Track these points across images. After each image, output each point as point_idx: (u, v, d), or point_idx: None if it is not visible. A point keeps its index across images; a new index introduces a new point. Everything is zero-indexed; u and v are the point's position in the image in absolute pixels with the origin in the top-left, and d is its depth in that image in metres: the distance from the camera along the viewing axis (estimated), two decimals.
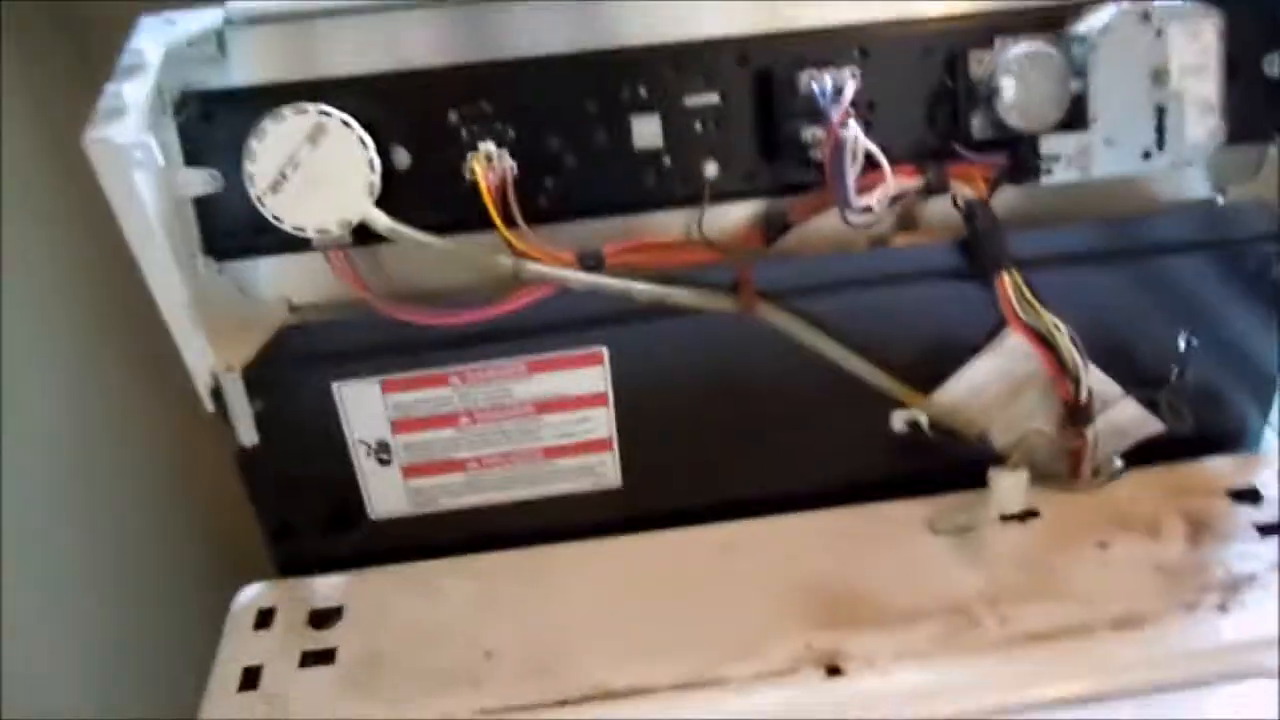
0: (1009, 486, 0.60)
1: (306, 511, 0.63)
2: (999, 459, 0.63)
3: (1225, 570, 0.60)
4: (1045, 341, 0.58)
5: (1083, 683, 0.55)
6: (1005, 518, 0.64)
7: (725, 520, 0.64)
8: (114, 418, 0.76)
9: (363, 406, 0.58)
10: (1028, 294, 0.57)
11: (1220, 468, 0.67)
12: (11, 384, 0.66)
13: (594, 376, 0.59)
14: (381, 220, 0.52)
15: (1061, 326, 0.58)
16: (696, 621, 0.59)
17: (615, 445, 0.62)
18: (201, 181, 0.54)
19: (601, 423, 0.61)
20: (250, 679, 0.58)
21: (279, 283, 0.58)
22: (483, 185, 0.52)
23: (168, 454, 0.79)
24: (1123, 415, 0.65)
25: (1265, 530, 0.62)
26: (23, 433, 0.67)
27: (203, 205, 0.54)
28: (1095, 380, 0.63)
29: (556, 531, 0.64)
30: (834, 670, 0.56)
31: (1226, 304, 0.63)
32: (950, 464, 0.63)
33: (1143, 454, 0.66)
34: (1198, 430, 0.67)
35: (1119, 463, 0.67)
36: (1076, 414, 0.62)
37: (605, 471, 0.63)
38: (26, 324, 0.68)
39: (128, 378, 0.76)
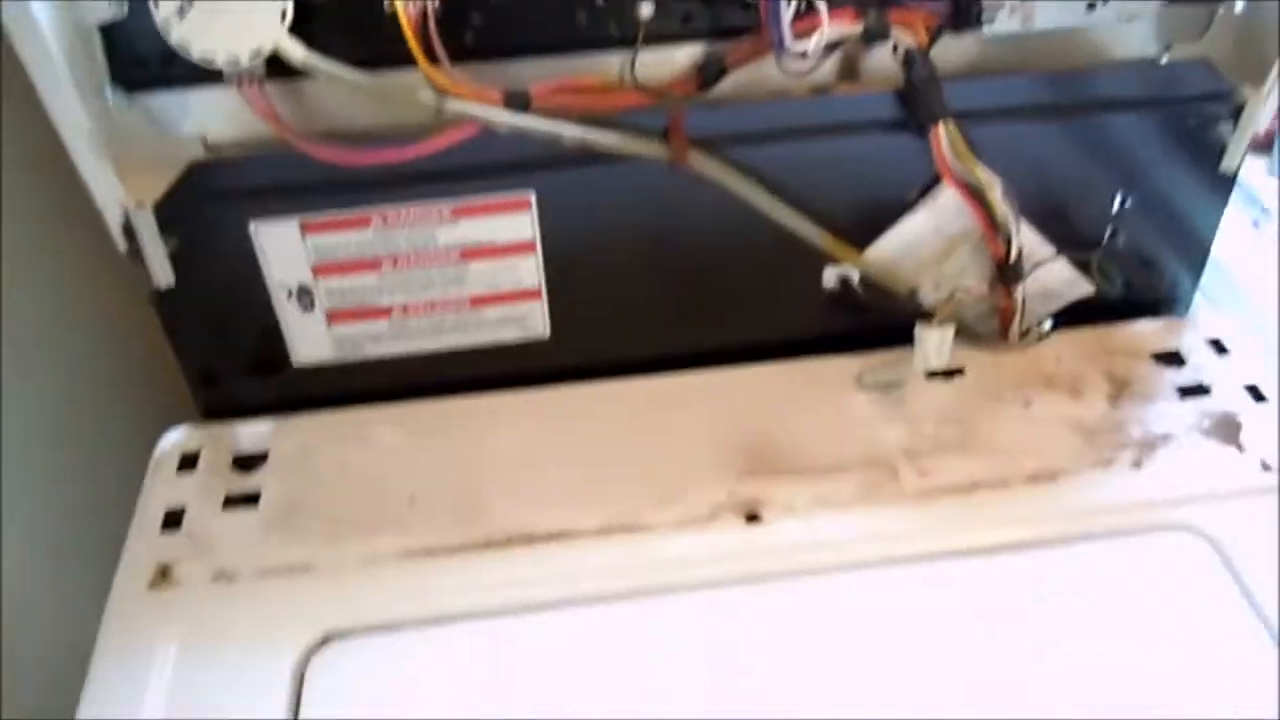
0: (934, 342, 0.60)
1: (228, 356, 0.62)
2: (929, 316, 0.63)
3: (1143, 429, 0.61)
4: (977, 196, 0.58)
5: (995, 533, 0.56)
6: (931, 375, 0.64)
7: (654, 374, 0.64)
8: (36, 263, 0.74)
9: (282, 248, 0.57)
10: (961, 146, 0.56)
11: (1147, 331, 0.67)
12: None
13: (521, 223, 0.58)
14: (296, 51, 0.50)
15: (995, 181, 0.57)
16: (621, 470, 0.59)
17: (544, 295, 0.61)
18: (106, 7, 0.51)
19: (530, 271, 0.60)
20: (173, 520, 0.58)
21: (194, 118, 0.55)
22: (402, 16, 0.50)
23: (95, 298, 0.77)
24: (1054, 276, 0.65)
25: (1186, 392, 0.63)
26: None
27: (110, 33, 0.52)
28: (1028, 239, 0.62)
29: (485, 381, 0.63)
30: (753, 517, 0.57)
31: (1165, 166, 0.63)
32: (881, 322, 0.63)
33: (1073, 316, 0.66)
34: (1129, 294, 0.67)
35: (1048, 324, 0.67)
36: (1007, 272, 0.61)
37: (533, 322, 0.62)
38: None
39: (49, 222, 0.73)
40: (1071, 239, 0.64)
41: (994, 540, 0.56)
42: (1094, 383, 0.64)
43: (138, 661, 0.51)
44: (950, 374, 0.64)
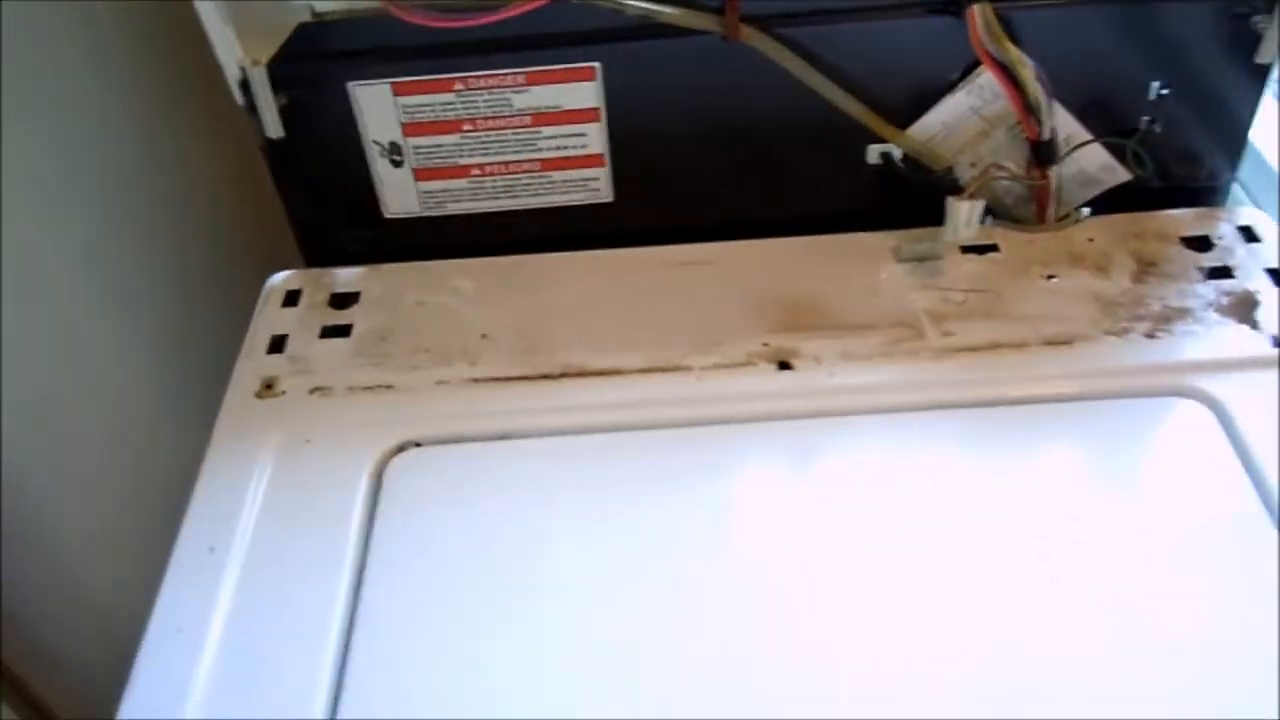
0: (964, 214, 0.65)
1: (329, 207, 0.70)
2: (964, 189, 0.67)
3: (1162, 304, 0.65)
4: (1011, 77, 0.62)
5: (1007, 388, 0.61)
6: (965, 250, 0.69)
7: (707, 240, 0.70)
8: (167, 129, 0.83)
9: (376, 107, 0.64)
10: (996, 27, 0.60)
11: (1180, 218, 0.70)
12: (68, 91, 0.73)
13: (587, 91, 0.64)
14: None
15: (1028, 62, 0.61)
16: (669, 322, 0.66)
17: (608, 162, 0.68)
18: None
19: (595, 138, 0.66)
20: (277, 344, 0.66)
21: None
22: None
23: (216, 163, 0.86)
24: (1091, 161, 0.69)
25: (1209, 273, 0.67)
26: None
27: None
28: (1064, 124, 0.66)
29: (554, 240, 0.70)
30: (785, 365, 0.63)
31: (1203, 56, 0.65)
32: (921, 198, 0.68)
33: (1111, 203, 0.70)
34: (1165, 182, 0.70)
35: (1086, 210, 0.71)
36: (1040, 153, 0.65)
37: (598, 186, 0.69)
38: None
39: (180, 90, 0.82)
40: (1109, 125, 0.68)
41: (1005, 394, 0.61)
42: (1120, 261, 0.68)
43: (245, 454, 0.60)
44: (984, 250, 0.69)
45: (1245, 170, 0.72)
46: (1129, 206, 0.71)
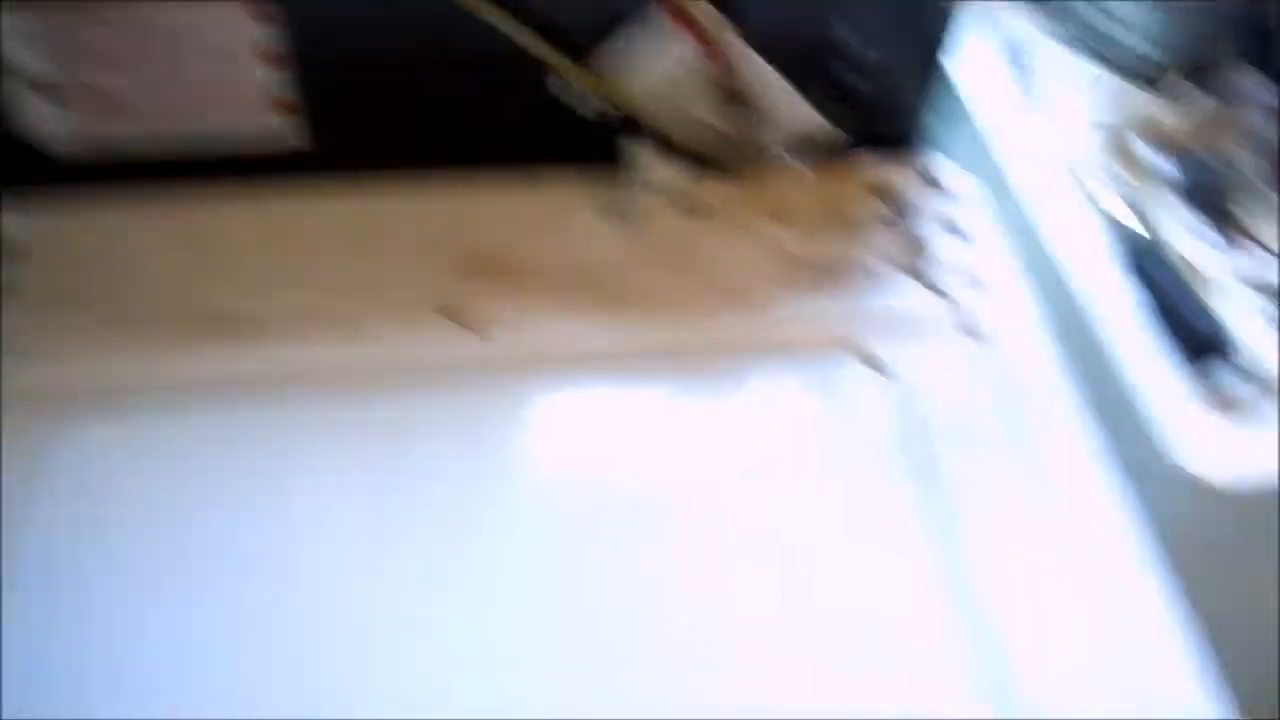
0: (649, 159, 0.64)
1: None
2: (654, 134, 0.65)
3: (842, 258, 0.65)
4: (688, 16, 0.60)
5: (680, 345, 0.61)
6: (662, 200, 0.68)
7: (394, 177, 0.67)
8: None
9: (20, 33, 0.59)
10: None
11: (871, 167, 0.71)
12: None
13: (254, 27, 0.60)
14: None
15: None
16: (345, 273, 0.63)
17: (286, 99, 0.63)
18: None
19: (269, 76, 0.62)
20: None
21: None
22: None
23: None
24: (786, 107, 0.68)
25: (891, 224, 0.67)
26: None
27: None
28: (757, 69, 0.65)
29: (230, 183, 0.66)
30: (458, 319, 0.61)
31: (895, 4, 0.65)
32: (606, 136, 0.66)
33: (813, 149, 0.69)
34: (863, 129, 0.70)
35: (786, 156, 0.71)
36: (732, 99, 0.64)
37: (277, 126, 0.65)
38: None
39: None
40: (805, 70, 0.67)
41: (677, 351, 0.60)
42: (810, 213, 0.68)
43: None
44: (681, 200, 0.68)
45: (946, 120, 0.73)
46: (830, 156, 0.71)
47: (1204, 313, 0.60)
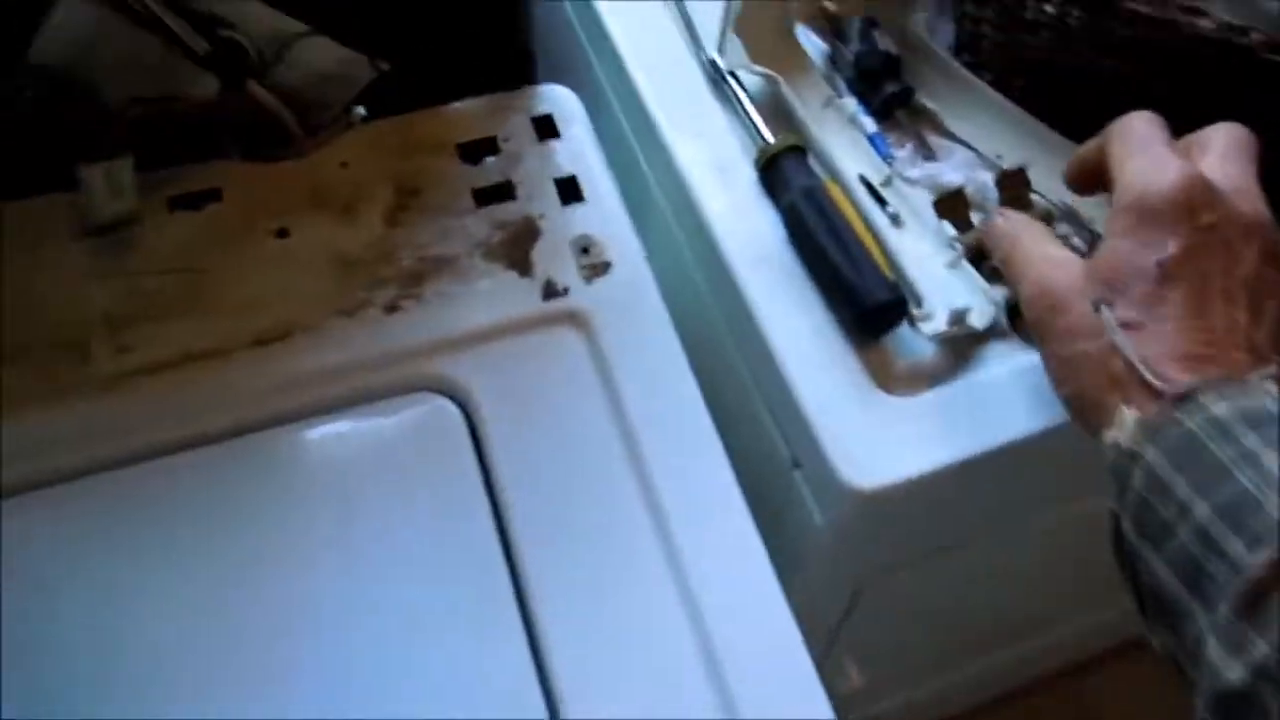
0: (100, 179, 0.46)
1: None
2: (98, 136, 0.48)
3: (416, 256, 0.50)
4: None
5: (197, 421, 0.45)
6: (175, 201, 0.51)
7: None
8: None
9: None
10: None
11: (462, 114, 0.55)
12: None
13: None
14: None
15: None
16: None
17: None
18: None
19: None
20: None
21: None
22: None
23: None
24: (318, 55, 0.51)
25: (482, 197, 0.52)
26: None
27: None
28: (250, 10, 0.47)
29: None
30: None
31: None
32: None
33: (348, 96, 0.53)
34: (442, 64, 0.54)
35: (360, 112, 0.54)
36: (213, 54, 0.47)
37: None
38: None
39: None
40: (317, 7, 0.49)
41: (195, 431, 0.45)
42: (376, 193, 0.52)
43: None
44: (203, 199, 0.51)
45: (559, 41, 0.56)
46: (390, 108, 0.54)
47: (869, 268, 0.47)
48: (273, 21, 0.49)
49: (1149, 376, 0.36)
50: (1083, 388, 0.38)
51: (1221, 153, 0.40)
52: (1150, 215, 0.37)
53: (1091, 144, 0.43)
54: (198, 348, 0.47)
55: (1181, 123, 0.41)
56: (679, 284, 0.57)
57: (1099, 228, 0.51)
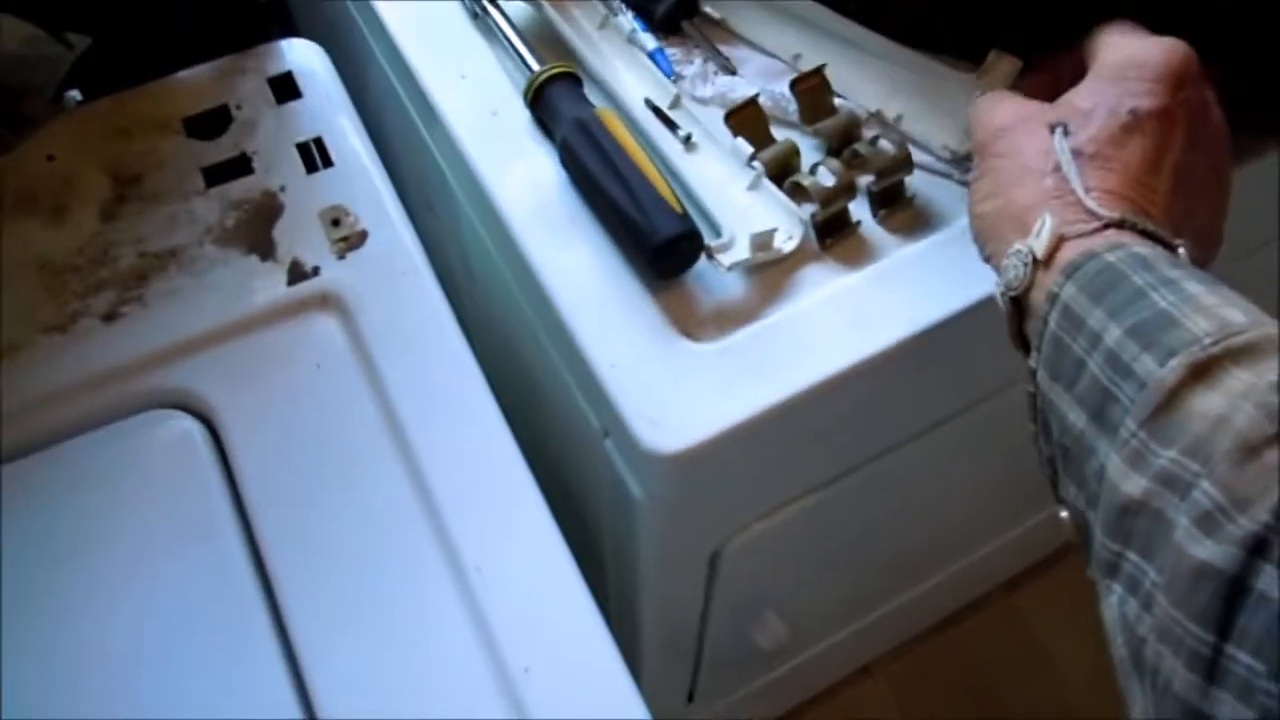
0: None
1: None
2: None
3: (137, 252, 0.43)
4: None
5: None
6: None
7: None
8: None
9: None
10: None
11: (187, 84, 0.48)
12: None
13: None
14: None
15: None
16: None
17: None
18: None
19: None
20: None
21: None
22: None
23: None
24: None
25: (213, 175, 0.45)
26: None
27: None
28: None
29: None
30: None
31: None
32: None
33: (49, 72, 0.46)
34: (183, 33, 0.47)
35: (73, 96, 0.47)
36: None
37: None
38: None
39: None
40: None
41: None
42: (90, 186, 0.45)
43: None
44: None
45: None
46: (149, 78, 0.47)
47: (652, 201, 0.41)
48: None
49: (1086, 200, 0.34)
50: (1009, 202, 0.37)
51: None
52: (1138, 70, 0.37)
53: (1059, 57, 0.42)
54: None
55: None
56: (478, 252, 0.51)
57: (906, 128, 0.46)
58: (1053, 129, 0.37)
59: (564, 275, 0.43)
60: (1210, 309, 0.30)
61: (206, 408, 0.40)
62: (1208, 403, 0.27)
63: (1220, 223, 0.39)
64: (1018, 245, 0.35)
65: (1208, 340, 0.28)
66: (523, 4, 0.49)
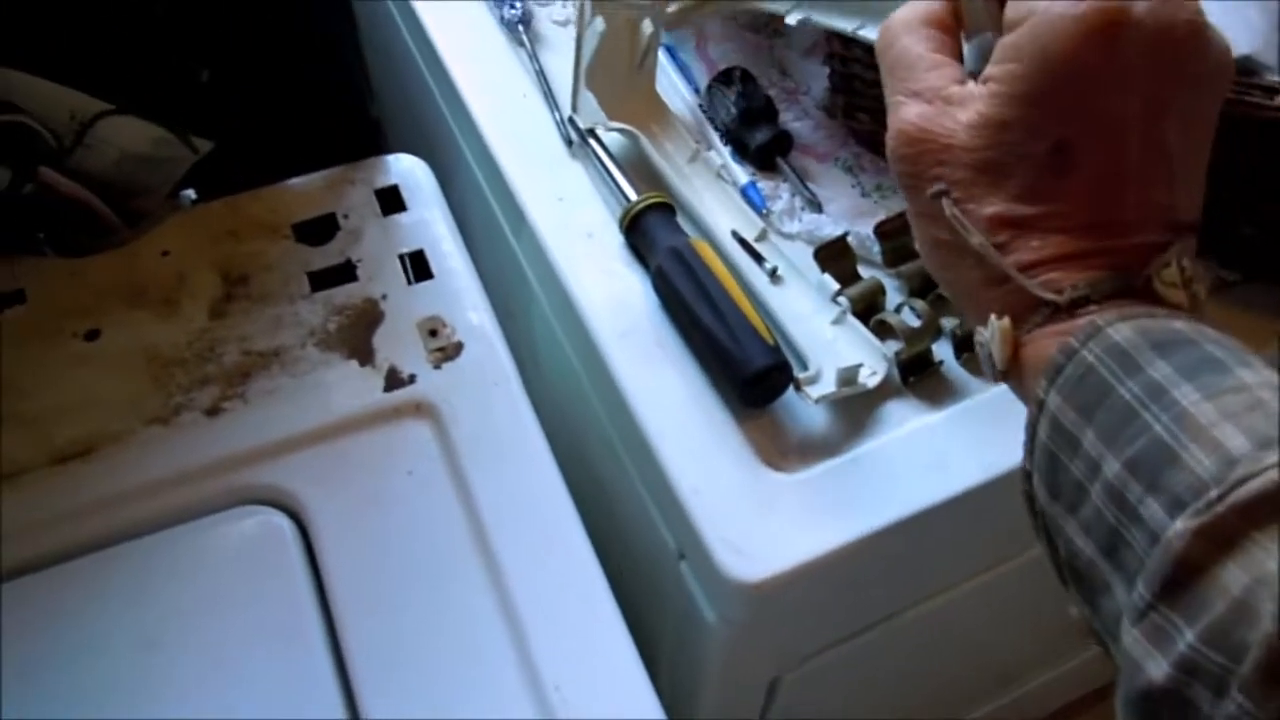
0: None
1: None
2: None
3: (242, 350, 0.45)
4: None
5: None
6: None
7: None
8: None
9: None
10: None
11: (299, 191, 0.50)
12: None
13: None
14: None
15: None
16: None
17: None
18: None
19: None
20: None
21: None
22: None
23: None
24: (128, 134, 0.46)
25: (319, 280, 0.47)
26: None
27: None
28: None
29: None
30: None
31: None
32: None
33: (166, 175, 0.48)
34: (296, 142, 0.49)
35: (189, 195, 0.49)
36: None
37: None
38: None
39: None
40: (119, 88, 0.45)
41: None
42: (201, 283, 0.47)
43: None
44: (0, 303, 0.46)
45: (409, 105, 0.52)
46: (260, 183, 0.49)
47: (745, 332, 0.42)
48: (68, 101, 0.44)
49: (1027, 285, 0.29)
50: (946, 282, 0.31)
51: None
52: (1049, 74, 0.28)
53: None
54: None
55: None
56: (556, 363, 0.52)
57: None
58: (937, 196, 0.30)
59: (651, 397, 0.44)
60: (1207, 432, 0.25)
61: (299, 506, 0.41)
62: (1227, 576, 0.24)
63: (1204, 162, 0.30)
64: (979, 332, 0.30)
65: (1214, 493, 0.24)
66: (617, 135, 0.52)
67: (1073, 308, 0.28)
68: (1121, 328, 0.28)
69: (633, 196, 0.48)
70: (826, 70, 0.53)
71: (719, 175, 0.50)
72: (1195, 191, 0.30)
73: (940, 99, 0.30)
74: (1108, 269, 0.29)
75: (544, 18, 0.58)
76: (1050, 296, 0.28)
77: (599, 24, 0.48)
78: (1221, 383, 0.26)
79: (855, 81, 0.50)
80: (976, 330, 0.31)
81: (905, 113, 0.31)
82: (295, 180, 0.50)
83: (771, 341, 0.43)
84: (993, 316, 0.30)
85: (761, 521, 0.41)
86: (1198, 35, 0.29)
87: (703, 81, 0.54)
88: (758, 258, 0.47)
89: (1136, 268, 0.29)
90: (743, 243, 0.48)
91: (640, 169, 0.51)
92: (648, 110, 0.51)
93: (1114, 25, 0.28)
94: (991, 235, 0.29)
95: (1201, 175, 0.30)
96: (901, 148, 0.31)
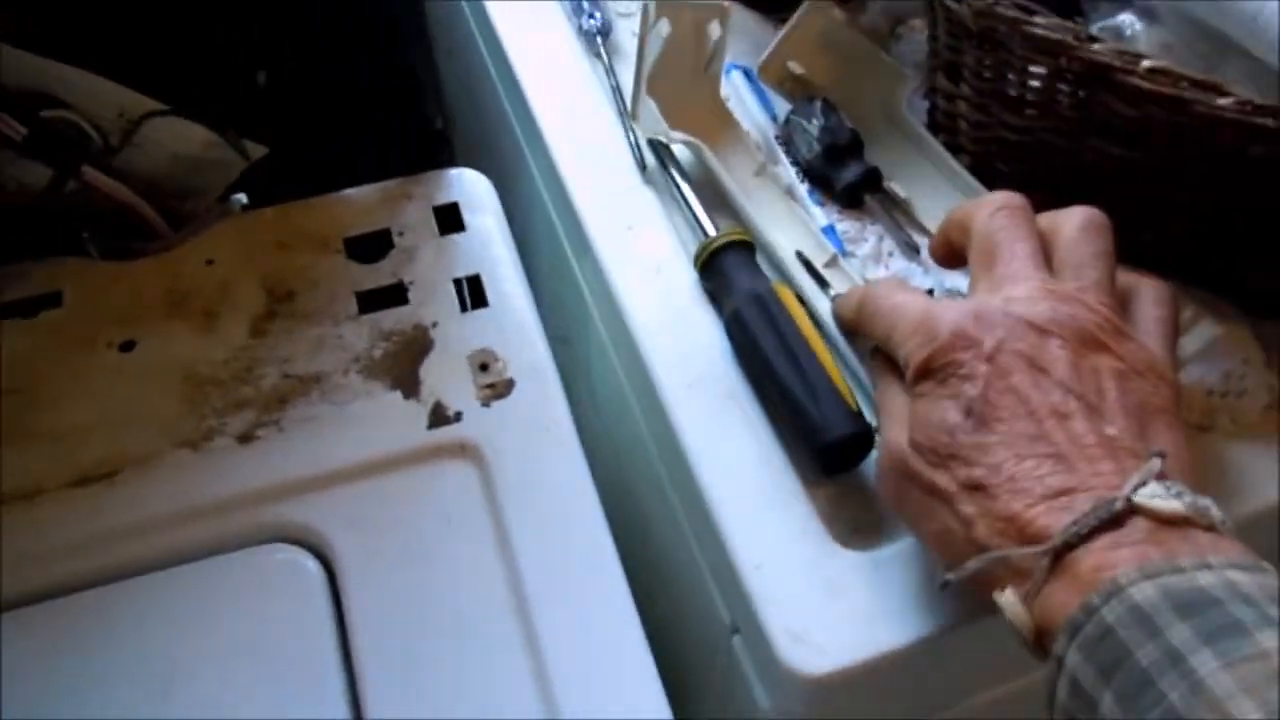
0: None
1: None
2: None
3: (281, 373, 0.42)
4: None
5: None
6: (6, 308, 0.43)
7: None
8: None
9: None
10: None
11: (352, 202, 0.47)
12: None
13: None
14: None
15: None
16: None
17: None
18: None
19: None
20: None
21: None
22: None
23: None
24: (169, 136, 0.43)
25: (367, 302, 0.44)
26: None
27: None
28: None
29: None
30: None
31: None
32: None
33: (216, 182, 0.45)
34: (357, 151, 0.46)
35: (239, 199, 0.46)
36: (37, 148, 0.39)
37: None
38: None
39: None
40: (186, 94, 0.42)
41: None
42: (244, 296, 0.44)
43: None
44: (36, 305, 0.43)
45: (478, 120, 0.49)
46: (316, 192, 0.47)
47: (828, 395, 0.38)
48: (118, 98, 0.41)
49: (1022, 548, 0.30)
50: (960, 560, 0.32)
51: (1074, 231, 0.35)
52: (935, 370, 0.33)
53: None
54: (11, 486, 0.39)
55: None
56: (613, 404, 0.49)
57: None
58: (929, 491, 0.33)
59: (717, 456, 0.40)
60: (1222, 705, 0.25)
61: (328, 547, 0.38)
62: None
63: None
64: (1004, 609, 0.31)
65: None
66: (678, 145, 0.48)
67: (1067, 549, 0.29)
68: (1145, 587, 0.28)
69: (711, 232, 0.44)
70: (926, 105, 0.48)
71: (787, 193, 0.46)
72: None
73: None
74: (1081, 497, 0.30)
75: (624, 29, 0.54)
76: (1043, 548, 0.29)
77: (663, 26, 0.45)
78: (1241, 649, 0.26)
79: (958, 120, 0.46)
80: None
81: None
82: (350, 191, 0.47)
83: (854, 406, 0.39)
84: (996, 595, 0.31)
85: (827, 608, 0.37)
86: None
87: (782, 111, 0.50)
88: (823, 283, 0.43)
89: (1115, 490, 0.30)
90: (808, 266, 0.44)
91: (703, 181, 0.47)
92: (712, 120, 0.48)
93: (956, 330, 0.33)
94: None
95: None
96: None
